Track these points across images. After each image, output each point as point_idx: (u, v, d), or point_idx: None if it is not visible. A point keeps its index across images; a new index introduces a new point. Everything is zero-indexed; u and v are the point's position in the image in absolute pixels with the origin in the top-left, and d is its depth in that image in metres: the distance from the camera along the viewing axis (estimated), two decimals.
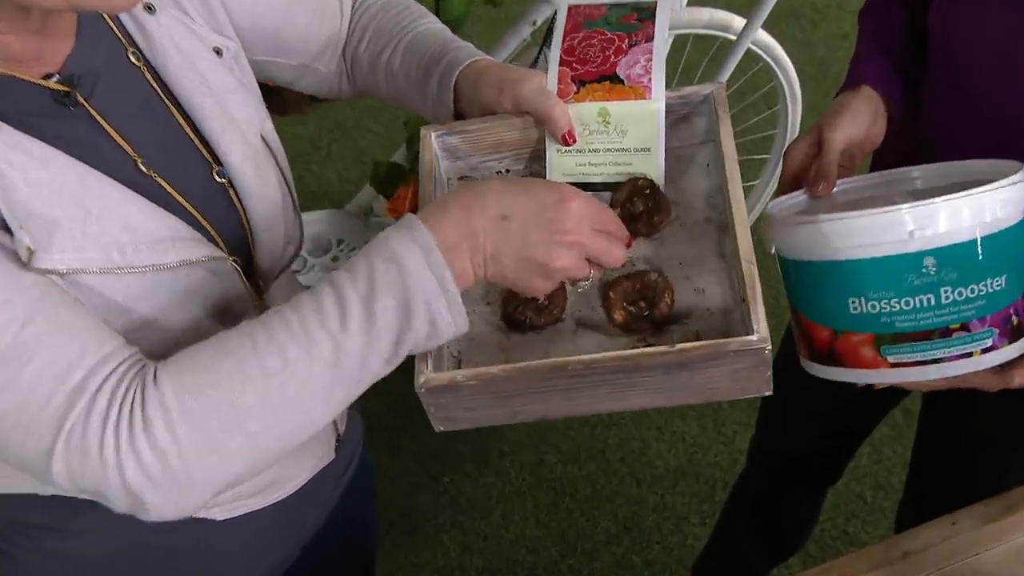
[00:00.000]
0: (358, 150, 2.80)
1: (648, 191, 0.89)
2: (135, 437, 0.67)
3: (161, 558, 0.92)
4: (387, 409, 2.12)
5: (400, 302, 0.70)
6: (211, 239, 0.81)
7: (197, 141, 0.83)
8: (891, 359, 0.85)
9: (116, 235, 0.73)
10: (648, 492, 2.12)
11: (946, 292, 0.81)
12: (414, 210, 0.76)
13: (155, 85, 0.81)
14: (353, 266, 0.72)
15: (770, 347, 0.75)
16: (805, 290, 0.89)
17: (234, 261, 0.84)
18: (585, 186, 0.93)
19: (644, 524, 2.07)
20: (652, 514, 2.08)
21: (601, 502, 2.11)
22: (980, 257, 0.81)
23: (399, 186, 1.82)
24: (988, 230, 0.80)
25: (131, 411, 0.68)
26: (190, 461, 0.69)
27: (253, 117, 0.87)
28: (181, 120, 0.82)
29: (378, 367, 0.72)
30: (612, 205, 0.89)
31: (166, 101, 0.82)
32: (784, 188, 1.01)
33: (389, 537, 2.06)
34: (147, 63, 0.81)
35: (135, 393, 0.69)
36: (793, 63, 2.13)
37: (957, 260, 0.81)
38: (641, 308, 0.82)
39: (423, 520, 2.09)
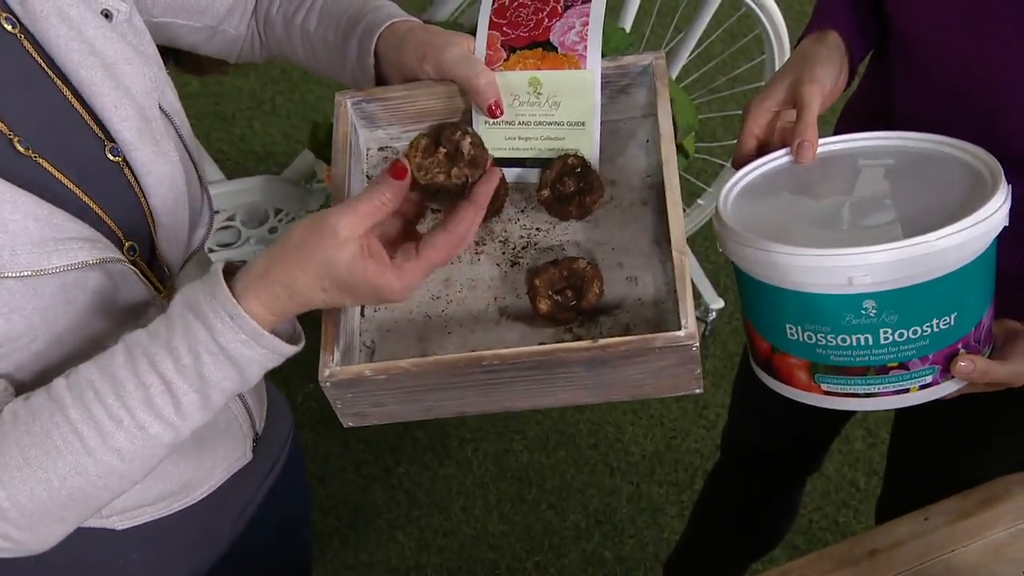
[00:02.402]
0: (306, 105, 2.80)
1: (580, 169, 0.91)
2: None
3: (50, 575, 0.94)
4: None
5: (237, 377, 0.76)
6: (104, 229, 0.82)
7: (87, 117, 0.83)
8: (824, 387, 0.89)
9: None
10: (622, 481, 2.15)
11: (885, 333, 0.84)
12: None
13: (36, 56, 0.81)
14: (176, 355, 0.74)
15: (698, 344, 0.77)
16: (749, 298, 0.91)
17: (131, 249, 0.84)
18: (515, 162, 0.95)
19: (617, 517, 2.11)
20: (626, 505, 2.12)
21: (571, 493, 2.14)
22: (926, 300, 0.83)
23: None
24: (935, 274, 0.82)
25: None
26: (39, 542, 0.78)
27: (150, 87, 0.87)
28: (68, 95, 0.82)
29: (224, 404, 0.79)
30: (541, 184, 0.91)
31: (50, 74, 0.81)
32: (743, 151, 1.00)
33: (338, 534, 2.09)
34: (25, 30, 0.81)
35: None
36: (780, 8, 2.13)
37: (900, 304, 0.82)
38: (568, 298, 0.84)
39: (376, 515, 2.12)
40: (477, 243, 0.92)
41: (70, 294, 0.78)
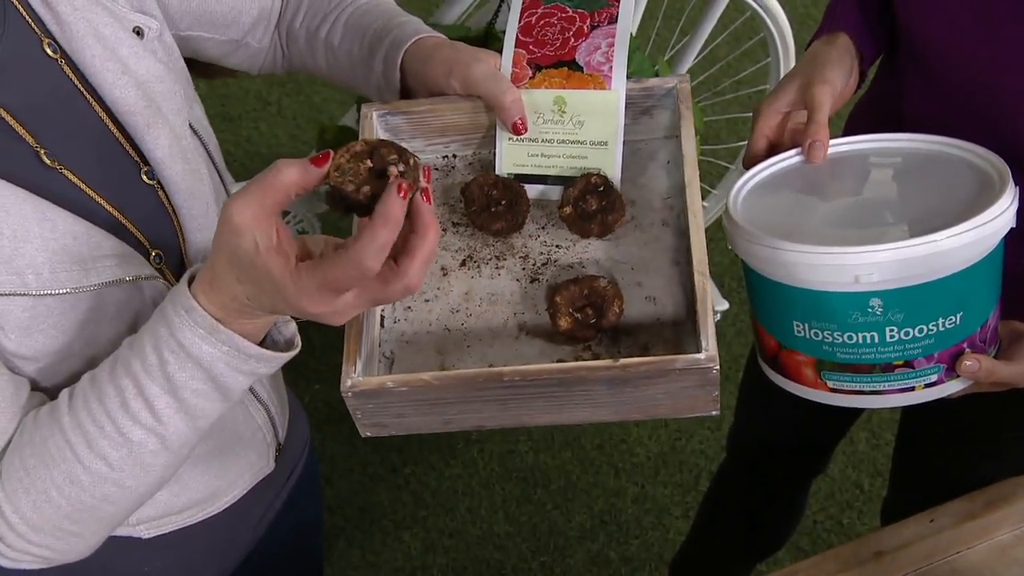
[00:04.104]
0: (312, 107, 2.80)
1: (602, 188, 0.92)
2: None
3: None
4: (342, 396, 2.15)
5: (207, 379, 0.74)
6: (133, 241, 0.83)
7: (122, 138, 0.84)
8: (831, 384, 0.90)
9: (31, 256, 0.75)
10: (627, 482, 2.17)
11: (891, 331, 0.85)
12: None
13: (75, 79, 0.82)
14: (143, 355, 0.73)
15: (718, 367, 0.78)
16: (757, 295, 0.93)
17: (157, 257, 0.86)
18: (537, 179, 0.96)
19: (622, 517, 2.12)
20: (631, 506, 2.13)
21: (576, 494, 2.16)
22: (932, 300, 0.84)
23: None
24: (942, 274, 0.83)
25: None
26: (62, 554, 0.78)
27: (181, 105, 0.89)
28: (104, 116, 0.83)
29: (216, 414, 0.77)
30: (563, 201, 0.92)
31: (88, 97, 0.83)
32: (753, 151, 1.00)
33: (345, 534, 2.11)
34: (64, 54, 0.82)
35: None
36: (785, 11, 2.14)
37: (906, 302, 0.84)
38: (588, 315, 0.85)
39: (382, 516, 2.14)
40: (497, 258, 0.93)
41: (105, 309, 0.79)
